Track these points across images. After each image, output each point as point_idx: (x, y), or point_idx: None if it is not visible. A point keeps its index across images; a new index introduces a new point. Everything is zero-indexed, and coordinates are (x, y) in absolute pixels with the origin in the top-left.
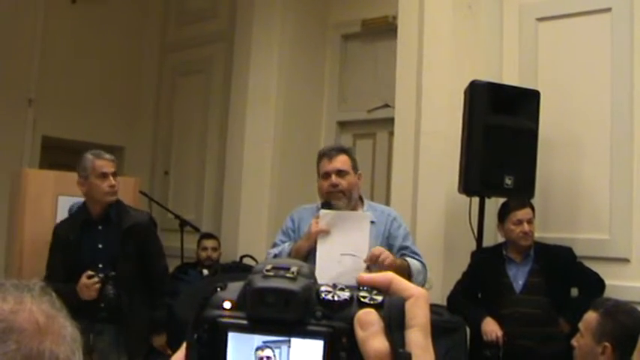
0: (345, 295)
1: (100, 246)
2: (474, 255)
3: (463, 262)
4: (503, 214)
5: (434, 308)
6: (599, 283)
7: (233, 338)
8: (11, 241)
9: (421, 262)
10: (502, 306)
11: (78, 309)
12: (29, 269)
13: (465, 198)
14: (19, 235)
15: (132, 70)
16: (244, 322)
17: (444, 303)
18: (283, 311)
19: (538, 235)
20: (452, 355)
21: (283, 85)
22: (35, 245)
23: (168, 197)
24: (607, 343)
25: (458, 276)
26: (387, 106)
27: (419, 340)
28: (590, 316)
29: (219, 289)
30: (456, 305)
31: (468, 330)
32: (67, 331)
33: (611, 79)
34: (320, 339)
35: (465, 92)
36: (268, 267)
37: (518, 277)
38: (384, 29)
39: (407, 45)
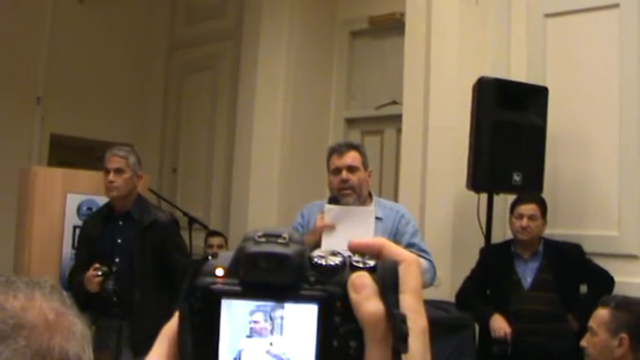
0: (338, 259)
1: (119, 241)
2: (482, 252)
3: (471, 259)
4: (511, 207)
5: (442, 305)
6: (608, 280)
7: (227, 305)
8: (20, 238)
9: (429, 260)
10: (511, 302)
11: (87, 300)
12: (38, 266)
13: (473, 194)
14: (28, 233)
15: (140, 68)
16: (237, 288)
17: (453, 300)
18: (276, 276)
19: (546, 231)
20: (460, 352)
21: (291, 82)
22: (44, 243)
23: (177, 195)
24: (624, 334)
25: (466, 273)
26: (394, 102)
27: (412, 304)
28: (602, 313)
29: (210, 257)
30: (465, 302)
31: (476, 327)
32: (77, 327)
33: (619, 75)
34: (314, 303)
35: (473, 89)
36: (259, 234)
37: (526, 273)
38: (392, 26)
39: (414, 42)
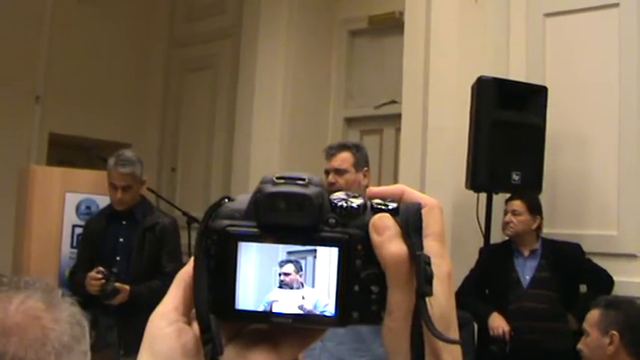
0: (359, 201)
1: (121, 240)
2: (481, 251)
3: (471, 259)
4: None
5: None
6: (607, 280)
7: (248, 250)
8: (19, 237)
9: None
10: (509, 300)
11: (87, 299)
12: (37, 266)
13: (472, 194)
14: (27, 232)
15: (139, 67)
16: (255, 230)
17: None
18: (296, 217)
19: (546, 231)
20: None
21: (290, 82)
22: (43, 242)
23: (176, 194)
24: (614, 332)
25: (465, 272)
26: (394, 102)
27: (435, 249)
28: (593, 313)
29: (226, 200)
30: (464, 301)
31: (475, 326)
32: (52, 333)
33: (618, 75)
34: (334, 246)
35: (472, 88)
36: (278, 175)
37: (525, 271)
38: (391, 25)
39: (414, 41)
